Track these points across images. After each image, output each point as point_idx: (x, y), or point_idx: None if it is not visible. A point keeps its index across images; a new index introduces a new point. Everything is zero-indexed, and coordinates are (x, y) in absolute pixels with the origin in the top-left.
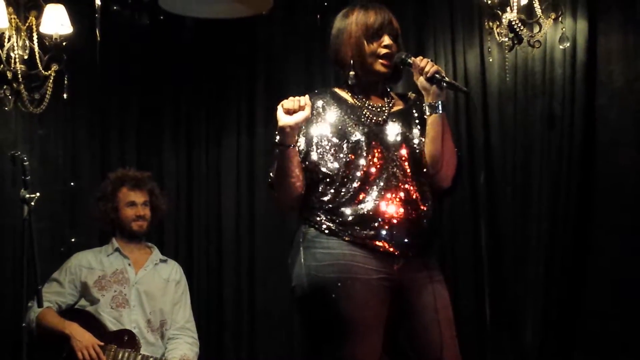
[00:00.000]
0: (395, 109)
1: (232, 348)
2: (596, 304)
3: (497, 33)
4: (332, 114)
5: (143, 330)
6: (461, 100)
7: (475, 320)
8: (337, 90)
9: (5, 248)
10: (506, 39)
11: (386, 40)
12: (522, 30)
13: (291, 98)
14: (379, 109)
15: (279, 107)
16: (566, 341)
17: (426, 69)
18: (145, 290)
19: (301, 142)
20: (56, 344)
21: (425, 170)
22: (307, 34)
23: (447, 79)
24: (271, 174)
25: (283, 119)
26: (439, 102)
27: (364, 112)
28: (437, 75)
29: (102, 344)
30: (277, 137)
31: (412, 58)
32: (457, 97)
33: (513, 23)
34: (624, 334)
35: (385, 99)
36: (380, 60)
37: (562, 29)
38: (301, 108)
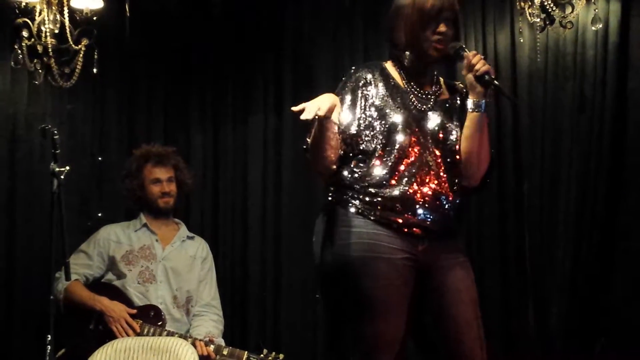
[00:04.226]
0: (441, 98)
1: (256, 324)
2: (624, 289)
3: (529, 13)
4: (378, 92)
5: (169, 306)
6: None
7: (500, 303)
8: (387, 66)
9: (34, 221)
10: (538, 20)
11: (442, 27)
12: (554, 10)
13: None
14: (425, 96)
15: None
16: (593, 325)
17: (477, 67)
18: (172, 267)
19: (344, 115)
20: (84, 317)
21: (457, 164)
22: (336, 14)
23: (496, 82)
24: (308, 139)
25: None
26: (483, 102)
27: (410, 97)
28: (486, 76)
29: (132, 311)
30: None
31: (466, 52)
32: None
33: (545, 3)
34: None
35: (434, 87)
36: (435, 45)
37: (594, 10)
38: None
